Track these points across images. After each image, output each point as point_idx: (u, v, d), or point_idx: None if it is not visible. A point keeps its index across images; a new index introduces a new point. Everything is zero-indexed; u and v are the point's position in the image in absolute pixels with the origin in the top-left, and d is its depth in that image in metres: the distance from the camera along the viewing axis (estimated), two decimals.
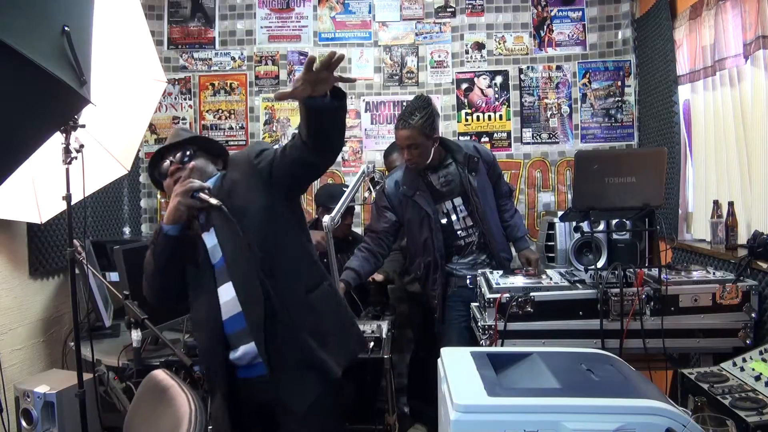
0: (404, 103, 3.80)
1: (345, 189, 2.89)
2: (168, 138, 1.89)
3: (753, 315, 2.21)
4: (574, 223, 2.66)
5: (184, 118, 3.90)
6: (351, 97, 3.90)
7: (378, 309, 3.06)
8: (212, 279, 1.73)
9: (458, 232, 2.82)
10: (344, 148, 3.89)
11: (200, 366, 1.81)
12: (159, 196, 3.91)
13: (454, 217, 2.81)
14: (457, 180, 2.78)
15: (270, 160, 1.73)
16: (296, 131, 1.70)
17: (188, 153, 1.79)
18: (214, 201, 1.63)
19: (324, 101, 1.54)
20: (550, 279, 2.41)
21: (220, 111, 3.91)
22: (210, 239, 1.74)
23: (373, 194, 2.95)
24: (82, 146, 2.11)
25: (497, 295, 2.26)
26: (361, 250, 2.82)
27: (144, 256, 1.79)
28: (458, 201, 2.79)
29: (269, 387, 1.70)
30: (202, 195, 1.65)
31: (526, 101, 3.84)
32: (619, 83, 3.77)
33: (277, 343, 1.68)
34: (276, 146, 1.81)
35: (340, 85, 1.59)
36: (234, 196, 1.71)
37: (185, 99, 3.91)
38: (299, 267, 1.78)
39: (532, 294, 2.26)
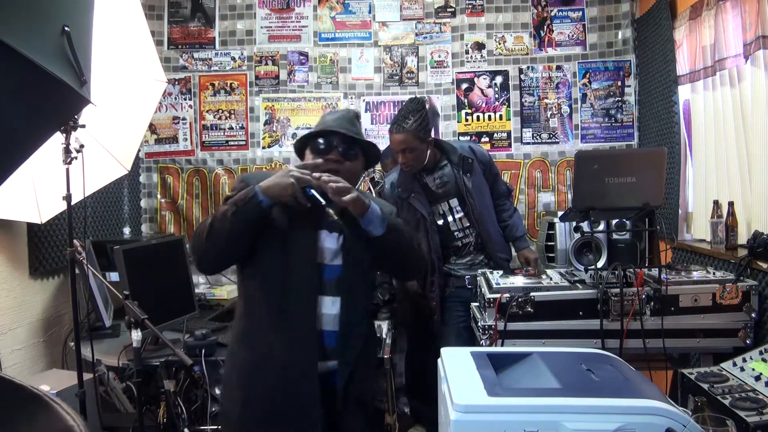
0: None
1: None
2: (338, 117, 1.71)
3: (753, 315, 2.21)
4: (574, 223, 2.66)
5: (184, 118, 3.90)
6: (351, 97, 3.90)
7: (375, 305, 3.06)
8: (317, 281, 1.63)
9: (455, 233, 2.82)
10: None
11: (258, 367, 1.66)
12: (159, 196, 3.91)
13: (450, 218, 2.81)
14: (452, 181, 2.77)
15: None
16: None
17: (355, 153, 1.68)
18: (333, 214, 1.54)
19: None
20: (550, 279, 2.41)
21: (220, 111, 3.91)
22: (331, 241, 1.66)
23: (374, 194, 2.96)
24: (82, 146, 2.11)
25: (497, 295, 2.26)
26: None
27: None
28: (454, 202, 2.79)
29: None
30: (316, 194, 1.55)
31: (526, 101, 3.84)
32: (619, 83, 3.77)
33: (356, 376, 1.67)
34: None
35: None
36: (347, 217, 1.61)
37: (185, 99, 3.91)
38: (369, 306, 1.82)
39: (532, 294, 2.26)
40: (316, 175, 1.57)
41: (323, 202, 1.55)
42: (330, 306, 1.63)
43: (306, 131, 1.83)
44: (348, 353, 1.65)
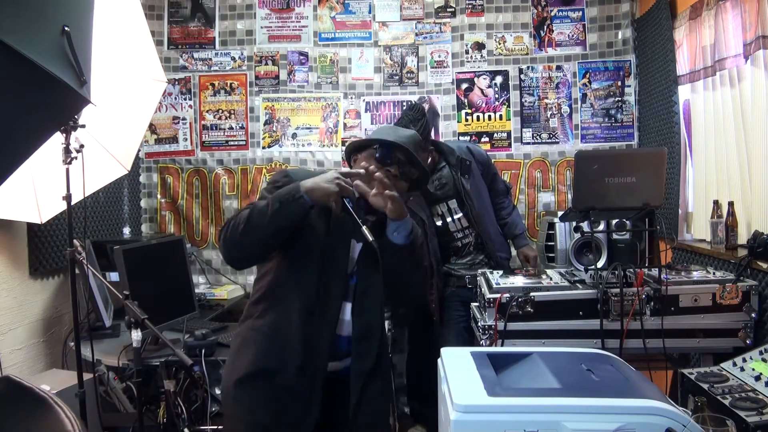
0: (404, 104, 3.81)
1: None
2: (409, 135, 1.70)
3: (753, 315, 2.21)
4: (574, 223, 2.66)
5: (184, 118, 3.90)
6: (351, 97, 3.90)
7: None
8: (344, 287, 1.65)
9: (455, 234, 2.82)
10: (344, 148, 3.89)
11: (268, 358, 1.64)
12: (159, 196, 3.91)
13: (449, 219, 2.81)
14: (450, 183, 2.78)
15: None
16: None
17: (411, 173, 1.67)
18: (369, 236, 1.53)
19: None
20: (550, 279, 2.41)
21: (220, 111, 3.91)
22: (355, 250, 1.67)
23: None
24: (82, 146, 2.11)
25: (497, 295, 2.26)
26: None
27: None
28: (453, 203, 2.79)
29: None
30: (352, 210, 1.56)
31: (526, 101, 3.84)
32: (619, 83, 3.77)
33: (370, 384, 1.67)
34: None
35: None
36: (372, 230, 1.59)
37: (185, 99, 3.91)
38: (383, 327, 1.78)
39: (532, 294, 2.26)
40: (372, 168, 1.57)
41: (357, 218, 1.55)
42: (347, 312, 1.66)
43: (353, 136, 1.83)
44: (363, 361, 1.66)
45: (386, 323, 2.66)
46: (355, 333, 1.65)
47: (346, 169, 1.63)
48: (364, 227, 1.53)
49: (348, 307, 1.66)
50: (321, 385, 1.62)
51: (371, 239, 1.52)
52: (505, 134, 3.85)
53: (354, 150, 1.75)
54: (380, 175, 1.56)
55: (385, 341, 1.79)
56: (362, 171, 1.60)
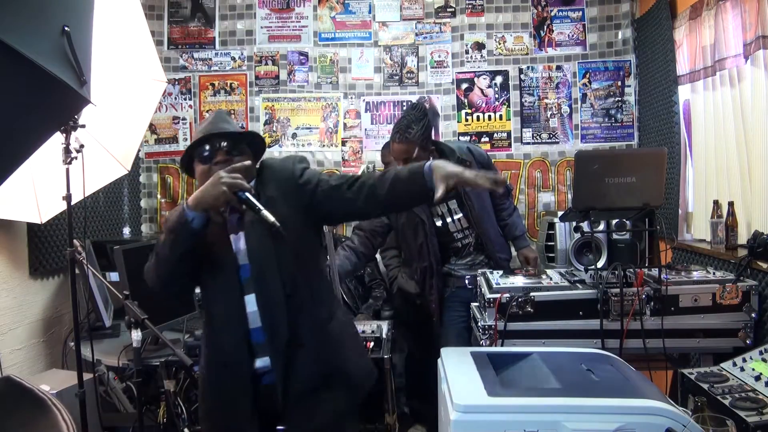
0: (404, 104, 3.81)
1: None
2: (212, 120, 1.71)
3: (753, 315, 2.21)
4: (574, 223, 2.66)
5: (184, 118, 3.90)
6: (351, 97, 3.90)
7: (379, 305, 3.06)
8: (238, 284, 1.65)
9: (455, 234, 2.82)
10: (344, 148, 3.90)
11: (210, 366, 1.74)
12: (159, 196, 3.92)
13: (449, 220, 2.81)
14: None
15: (314, 186, 1.66)
16: (371, 175, 1.66)
17: (239, 148, 1.68)
18: (271, 218, 1.50)
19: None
20: (550, 279, 2.41)
21: None
22: (237, 242, 1.66)
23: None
24: (82, 146, 2.11)
25: (497, 295, 2.26)
26: (344, 248, 2.80)
27: (145, 256, 1.75)
28: (453, 204, 2.79)
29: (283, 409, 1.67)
30: (251, 198, 1.53)
31: (526, 101, 3.84)
32: (619, 83, 3.77)
33: (297, 367, 1.65)
34: (316, 170, 1.75)
35: None
36: (271, 210, 1.58)
37: (185, 99, 3.91)
38: (321, 294, 1.74)
39: (532, 294, 2.26)
40: (247, 186, 1.56)
41: (258, 205, 1.53)
42: (252, 304, 1.65)
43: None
44: (277, 349, 1.63)
45: (386, 323, 2.67)
46: (262, 314, 1.64)
47: (227, 168, 1.60)
48: (264, 212, 1.52)
49: (252, 298, 1.65)
50: (247, 383, 1.64)
51: (273, 220, 1.51)
52: (505, 134, 3.85)
53: (188, 167, 1.74)
54: (225, 176, 1.54)
55: (309, 316, 1.69)
56: (247, 163, 1.61)
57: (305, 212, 1.66)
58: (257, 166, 1.75)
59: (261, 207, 1.53)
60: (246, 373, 1.65)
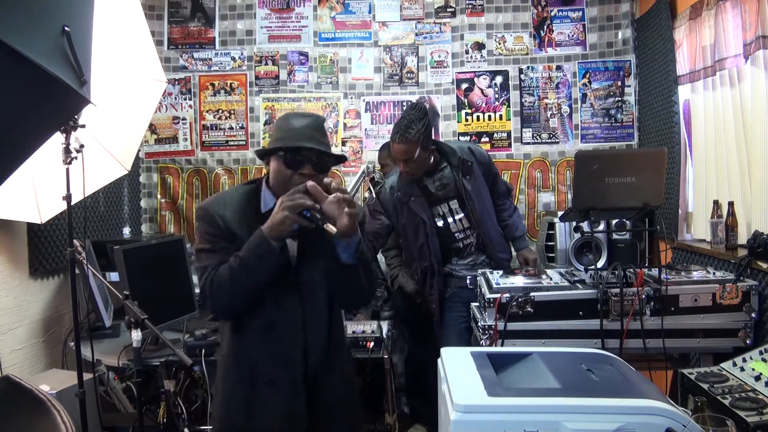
0: (404, 104, 3.81)
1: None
2: (311, 125, 1.64)
3: (753, 315, 2.21)
4: (574, 223, 2.66)
5: (184, 118, 3.90)
6: (351, 97, 3.90)
7: (378, 305, 3.06)
8: (294, 287, 1.65)
9: (456, 234, 2.82)
10: (344, 148, 3.90)
11: (257, 369, 1.68)
12: (159, 196, 3.91)
13: (450, 220, 2.81)
14: (452, 183, 2.77)
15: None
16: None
17: (327, 165, 1.66)
18: (334, 230, 1.52)
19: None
20: (550, 279, 2.41)
21: (220, 111, 3.91)
22: (291, 246, 1.65)
23: (374, 195, 2.95)
24: (82, 146, 2.11)
25: (497, 295, 2.26)
26: None
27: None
28: (454, 204, 2.79)
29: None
30: (315, 214, 1.54)
31: (526, 101, 3.84)
32: (619, 83, 3.77)
33: (326, 385, 1.67)
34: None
35: None
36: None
37: (185, 99, 3.91)
38: (342, 317, 1.80)
39: (532, 294, 2.26)
40: (308, 203, 1.55)
41: (320, 219, 1.54)
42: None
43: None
44: (312, 358, 1.65)
45: (386, 323, 2.67)
46: (305, 321, 1.65)
47: (290, 191, 1.59)
48: (325, 225, 1.53)
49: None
50: (303, 390, 1.63)
51: (335, 230, 1.52)
52: (505, 134, 3.85)
53: (263, 155, 1.73)
54: (340, 197, 1.55)
55: (339, 334, 1.76)
56: (310, 183, 1.58)
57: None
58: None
59: (322, 219, 1.53)
60: (300, 375, 1.64)
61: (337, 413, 1.69)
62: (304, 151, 1.61)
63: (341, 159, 1.80)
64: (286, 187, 1.59)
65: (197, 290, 3.05)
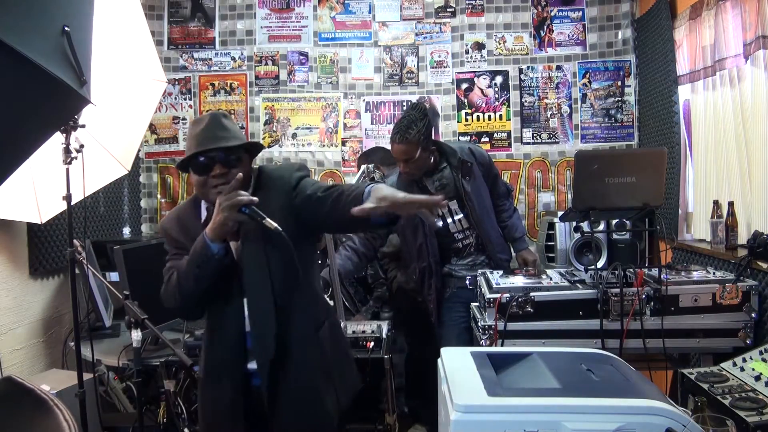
0: (404, 104, 3.81)
1: None
2: (207, 126, 1.65)
3: (753, 315, 2.21)
4: (574, 223, 2.66)
5: (184, 118, 3.90)
6: (351, 97, 3.90)
7: (378, 306, 3.06)
8: (240, 287, 1.67)
9: (455, 235, 2.82)
10: (344, 148, 3.90)
11: (207, 366, 1.77)
12: (159, 196, 3.92)
13: (450, 220, 2.81)
14: (451, 184, 2.77)
15: (307, 197, 1.66)
16: (348, 186, 1.66)
17: (236, 157, 1.66)
18: (273, 225, 1.53)
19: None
20: (550, 279, 2.41)
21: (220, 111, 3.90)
22: (235, 246, 1.68)
23: None
24: (82, 146, 2.11)
25: (497, 295, 2.26)
26: (345, 248, 2.80)
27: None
28: (454, 204, 2.79)
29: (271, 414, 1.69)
30: (256, 210, 1.56)
31: (526, 101, 3.84)
32: (619, 83, 3.77)
33: (285, 376, 1.67)
34: (313, 180, 1.76)
35: None
36: (269, 218, 1.60)
37: (185, 99, 3.91)
38: (310, 303, 1.76)
39: (532, 294, 2.26)
40: (245, 200, 1.56)
41: (260, 214, 1.56)
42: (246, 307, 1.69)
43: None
44: (262, 356, 1.65)
45: (386, 323, 2.67)
46: (251, 321, 1.67)
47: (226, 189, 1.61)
48: (267, 220, 1.55)
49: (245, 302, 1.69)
50: (241, 393, 1.67)
51: (275, 226, 1.54)
52: (505, 134, 3.85)
53: (184, 171, 1.75)
54: (224, 200, 1.57)
55: (296, 330, 1.71)
56: (239, 176, 1.60)
57: (296, 221, 1.65)
58: (256, 172, 1.76)
59: (263, 216, 1.56)
60: (239, 373, 1.68)
61: (299, 408, 1.69)
62: (204, 154, 1.62)
63: (254, 145, 1.77)
64: (207, 195, 1.65)
65: None
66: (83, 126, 2.09)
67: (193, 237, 1.65)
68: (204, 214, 1.72)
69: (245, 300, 1.67)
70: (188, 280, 1.63)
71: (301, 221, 1.67)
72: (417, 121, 2.60)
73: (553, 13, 3.83)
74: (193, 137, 1.65)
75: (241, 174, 1.60)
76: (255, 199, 1.58)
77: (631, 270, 2.29)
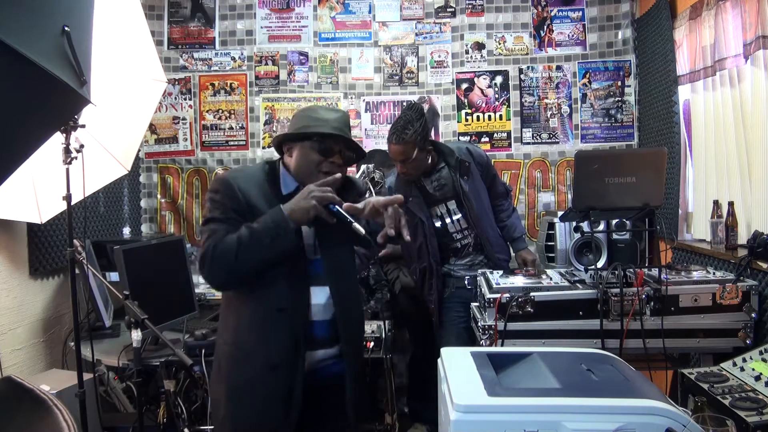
0: (404, 104, 3.81)
1: None
2: (341, 119, 1.70)
3: (753, 315, 2.21)
4: (574, 223, 2.65)
5: (184, 118, 3.90)
6: (351, 97, 3.90)
7: (378, 307, 3.06)
8: (306, 274, 1.67)
9: (454, 235, 2.82)
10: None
11: (259, 354, 1.65)
12: (159, 196, 3.91)
13: (448, 220, 2.81)
14: (450, 184, 2.77)
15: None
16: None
17: (352, 157, 1.71)
18: (362, 230, 1.53)
19: None
20: (550, 279, 2.41)
21: (220, 111, 3.91)
22: (308, 236, 1.68)
23: (374, 195, 2.95)
24: (82, 146, 2.11)
25: (497, 295, 2.26)
26: None
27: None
28: (452, 204, 2.79)
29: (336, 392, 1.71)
30: (342, 211, 1.56)
31: (526, 101, 3.84)
32: (619, 83, 3.77)
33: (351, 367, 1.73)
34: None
35: None
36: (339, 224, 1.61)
37: (185, 99, 3.91)
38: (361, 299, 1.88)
39: (532, 294, 2.26)
40: (337, 199, 1.57)
41: (349, 218, 1.55)
42: (318, 296, 1.68)
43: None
44: (350, 340, 1.72)
45: (387, 323, 2.67)
46: (337, 307, 1.68)
47: (318, 182, 1.60)
48: (355, 225, 1.55)
49: (319, 291, 1.68)
50: (300, 381, 1.62)
51: (364, 232, 1.54)
52: (505, 134, 3.85)
53: (287, 140, 1.72)
54: (316, 191, 1.56)
55: (352, 328, 1.77)
56: (338, 176, 1.63)
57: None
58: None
59: (351, 220, 1.55)
60: (302, 361, 1.63)
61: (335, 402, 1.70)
62: (336, 139, 1.65)
63: (362, 155, 1.79)
64: (311, 174, 1.63)
65: (197, 290, 3.06)
66: (83, 126, 2.09)
67: (269, 204, 1.61)
68: (287, 188, 1.69)
69: (320, 288, 1.67)
70: (253, 250, 1.55)
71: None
72: (414, 122, 2.60)
73: (553, 13, 3.83)
74: (322, 119, 1.66)
75: (339, 175, 1.64)
76: (343, 202, 1.58)
77: (631, 270, 2.29)
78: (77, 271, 2.27)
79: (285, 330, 1.63)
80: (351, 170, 3.76)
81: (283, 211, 1.56)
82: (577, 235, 2.88)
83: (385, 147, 3.58)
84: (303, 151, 1.66)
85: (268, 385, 1.62)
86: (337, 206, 1.56)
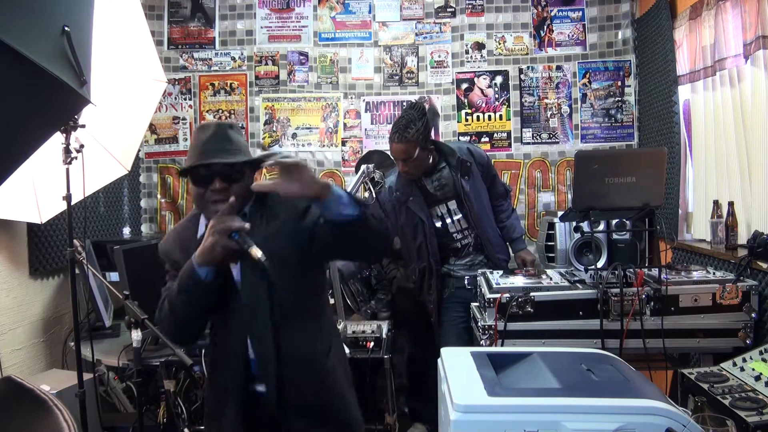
0: (404, 104, 3.81)
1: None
2: (211, 137, 1.56)
3: (753, 315, 2.21)
4: (574, 223, 2.66)
5: (184, 118, 3.90)
6: (351, 97, 3.90)
7: (378, 307, 3.06)
8: (238, 308, 1.60)
9: (454, 235, 2.82)
10: (344, 148, 3.90)
11: (213, 392, 1.71)
12: (159, 196, 3.92)
13: (449, 220, 2.81)
14: (450, 184, 2.77)
15: (314, 221, 1.56)
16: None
17: (239, 172, 1.55)
18: (259, 254, 1.43)
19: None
20: (550, 279, 2.41)
21: (220, 111, 3.91)
22: (236, 272, 1.60)
23: (373, 194, 2.95)
24: (82, 146, 2.11)
25: (497, 295, 2.26)
26: None
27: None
28: (453, 204, 2.79)
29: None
30: (245, 237, 1.45)
31: (526, 101, 3.84)
32: (619, 83, 3.77)
33: (290, 399, 1.61)
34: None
35: None
36: (271, 243, 1.52)
37: (185, 99, 3.91)
38: (318, 328, 1.68)
39: (532, 294, 2.26)
40: (236, 225, 1.47)
41: (247, 244, 1.45)
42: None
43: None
44: (267, 377, 1.60)
45: (386, 323, 2.67)
46: (253, 347, 1.60)
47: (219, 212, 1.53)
48: (251, 249, 1.44)
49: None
50: (244, 413, 1.60)
51: (259, 256, 1.44)
52: (505, 134, 3.85)
53: (182, 175, 1.65)
54: (216, 223, 1.47)
55: (298, 349, 1.62)
56: (232, 201, 1.50)
57: (307, 249, 1.57)
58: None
59: (251, 243, 1.45)
60: (246, 398, 1.61)
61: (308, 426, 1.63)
62: (207, 167, 1.52)
63: (255, 163, 1.63)
64: (203, 207, 1.57)
65: None
66: (83, 126, 2.09)
67: (183, 256, 1.57)
68: (202, 230, 1.62)
69: (243, 325, 1.60)
70: (177, 305, 1.55)
71: (310, 247, 1.57)
72: (416, 120, 2.60)
73: (553, 13, 3.83)
74: (196, 146, 1.56)
75: (234, 198, 1.50)
76: (246, 225, 1.47)
77: (631, 270, 2.29)
78: (77, 271, 2.27)
79: (228, 368, 1.64)
80: (352, 170, 3.80)
81: (193, 259, 1.49)
82: (577, 235, 2.88)
83: (384, 147, 3.60)
84: (191, 188, 1.60)
85: (234, 402, 1.62)
86: (238, 233, 1.46)
